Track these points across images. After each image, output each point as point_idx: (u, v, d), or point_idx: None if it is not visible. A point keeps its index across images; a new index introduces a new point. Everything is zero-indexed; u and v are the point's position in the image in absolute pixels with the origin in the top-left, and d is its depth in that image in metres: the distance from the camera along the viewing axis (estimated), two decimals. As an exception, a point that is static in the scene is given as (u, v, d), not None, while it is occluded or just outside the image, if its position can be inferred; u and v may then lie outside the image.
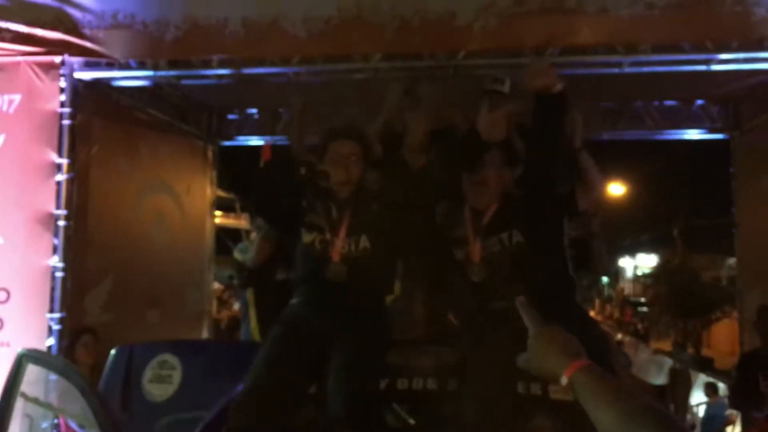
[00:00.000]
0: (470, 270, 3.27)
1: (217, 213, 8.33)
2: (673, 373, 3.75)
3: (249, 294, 4.45)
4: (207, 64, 5.52)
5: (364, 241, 3.35)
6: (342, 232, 3.35)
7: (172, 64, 5.57)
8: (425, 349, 3.52)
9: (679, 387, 3.67)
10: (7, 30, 5.45)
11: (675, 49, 5.16)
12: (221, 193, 8.46)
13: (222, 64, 5.47)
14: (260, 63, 5.51)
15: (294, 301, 3.46)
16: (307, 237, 3.40)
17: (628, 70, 5.29)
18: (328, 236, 3.37)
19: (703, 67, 5.25)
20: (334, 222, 3.38)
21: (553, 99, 3.25)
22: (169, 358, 3.96)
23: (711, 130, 7.45)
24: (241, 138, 8.09)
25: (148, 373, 3.92)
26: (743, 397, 4.88)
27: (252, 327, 4.43)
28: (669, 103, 7.35)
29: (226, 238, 8.35)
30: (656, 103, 7.32)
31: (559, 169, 3.41)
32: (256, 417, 2.97)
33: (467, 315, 3.45)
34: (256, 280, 4.40)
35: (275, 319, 3.44)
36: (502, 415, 2.91)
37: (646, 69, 5.36)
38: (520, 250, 3.23)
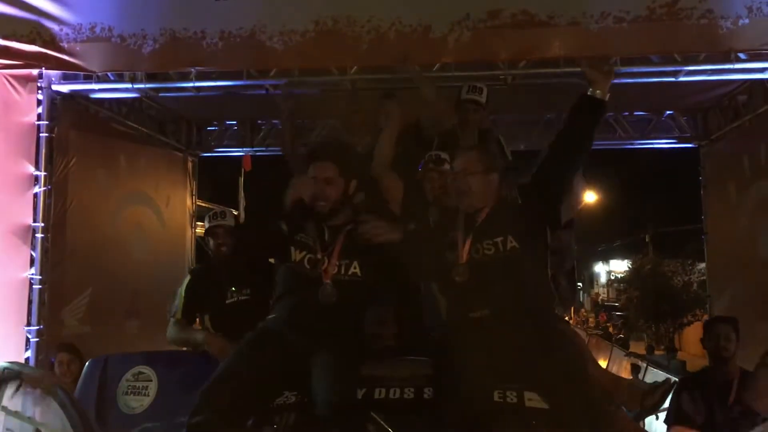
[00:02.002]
0: (455, 271, 3.26)
1: (198, 223, 8.31)
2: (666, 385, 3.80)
3: (207, 320, 4.46)
4: (185, 77, 5.56)
5: (354, 267, 3.34)
6: (335, 254, 3.32)
7: (150, 77, 5.61)
8: (401, 359, 3.55)
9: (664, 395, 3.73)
10: (-16, 43, 5.44)
11: (644, 61, 5.31)
12: (201, 204, 8.46)
13: (200, 77, 5.52)
14: (238, 76, 5.57)
15: (270, 316, 3.45)
16: (296, 255, 3.36)
17: (598, 81, 5.42)
18: (318, 256, 3.33)
19: (671, 79, 5.41)
20: (326, 243, 3.36)
21: (597, 102, 3.27)
22: (145, 369, 3.92)
23: (680, 140, 7.64)
24: (221, 149, 8.14)
25: (123, 385, 3.87)
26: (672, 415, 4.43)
27: None
28: (639, 113, 7.52)
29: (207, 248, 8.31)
30: (626, 113, 7.48)
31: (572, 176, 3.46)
32: (211, 424, 2.98)
33: (446, 322, 3.47)
34: (209, 307, 4.42)
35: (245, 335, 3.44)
36: (479, 422, 2.95)
37: (616, 80, 5.45)
38: (514, 255, 3.23)
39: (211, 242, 4.49)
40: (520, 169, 4.41)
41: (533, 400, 3.10)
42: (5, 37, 5.42)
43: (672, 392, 4.28)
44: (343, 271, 3.32)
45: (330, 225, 3.40)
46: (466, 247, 3.27)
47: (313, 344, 3.22)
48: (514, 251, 3.22)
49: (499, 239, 3.24)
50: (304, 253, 3.36)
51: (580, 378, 3.05)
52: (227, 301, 4.34)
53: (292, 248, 3.38)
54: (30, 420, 3.50)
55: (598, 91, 3.28)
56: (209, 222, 4.51)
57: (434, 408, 3.11)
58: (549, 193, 3.33)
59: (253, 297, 4.33)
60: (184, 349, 4.47)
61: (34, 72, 5.47)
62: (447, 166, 4.09)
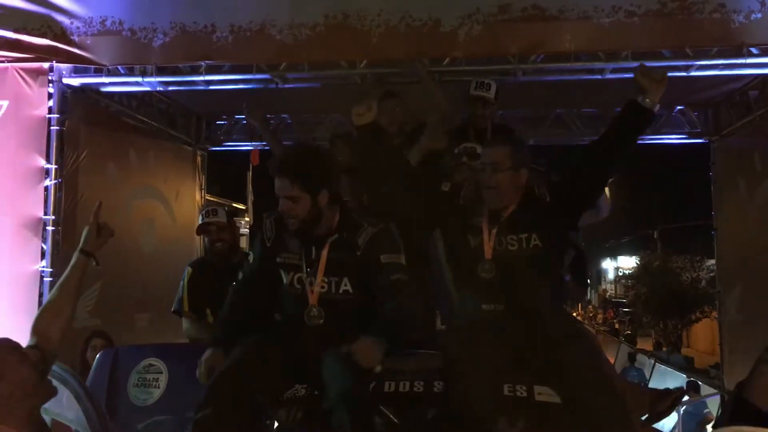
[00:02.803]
0: (480, 266, 3.24)
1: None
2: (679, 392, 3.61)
3: (209, 315, 4.49)
4: (195, 70, 5.58)
5: (345, 284, 3.14)
6: (320, 271, 3.14)
7: (160, 71, 5.61)
8: (411, 352, 3.51)
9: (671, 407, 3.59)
10: (-5, 36, 5.47)
11: (655, 56, 5.26)
12: (210, 198, 8.48)
13: (210, 71, 5.53)
14: (247, 69, 5.58)
15: (277, 317, 3.42)
16: (286, 278, 3.19)
17: (609, 76, 5.42)
18: (305, 275, 3.15)
19: (682, 73, 5.37)
20: (311, 261, 3.16)
21: (644, 110, 3.20)
22: (155, 362, 3.93)
23: (690, 135, 7.58)
24: (229, 144, 8.16)
25: (133, 377, 3.88)
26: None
27: None
28: (650, 108, 7.46)
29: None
30: (637, 108, 7.43)
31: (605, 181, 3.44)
32: (217, 418, 2.98)
33: (457, 315, 3.46)
34: (211, 301, 4.44)
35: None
36: (488, 416, 2.95)
37: (627, 75, 5.46)
38: (536, 253, 3.21)
39: (206, 239, 4.54)
40: (550, 166, 4.39)
41: (543, 394, 3.10)
42: (17, 31, 5.46)
43: (731, 398, 4.05)
44: (333, 290, 3.13)
45: (313, 238, 3.17)
46: (491, 242, 3.24)
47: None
48: (536, 249, 3.21)
49: (523, 236, 3.22)
50: (291, 273, 3.18)
51: (598, 374, 3.05)
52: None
53: (281, 271, 3.21)
54: (45, 410, 3.52)
55: (647, 100, 3.19)
56: (201, 219, 4.57)
57: (444, 401, 3.11)
58: (580, 195, 3.30)
59: None
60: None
61: (45, 65, 5.49)
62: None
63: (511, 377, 3.13)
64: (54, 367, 3.46)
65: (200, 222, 4.59)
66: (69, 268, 2.91)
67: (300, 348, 3.13)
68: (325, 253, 3.14)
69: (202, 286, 4.45)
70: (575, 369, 2.98)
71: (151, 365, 3.91)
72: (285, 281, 3.18)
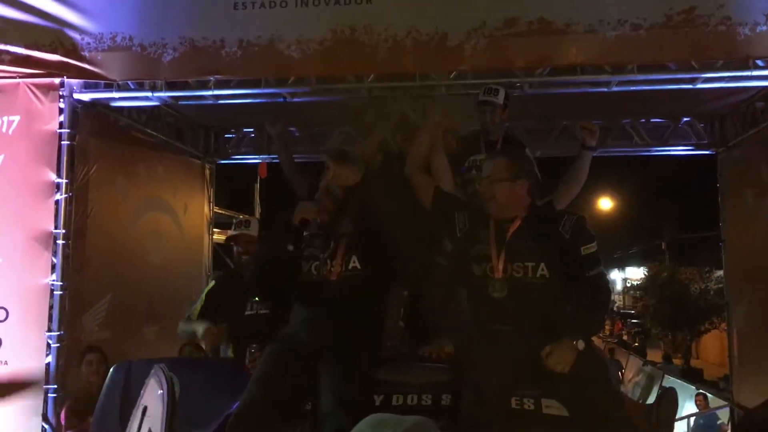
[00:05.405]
0: (491, 285, 3.21)
1: (215, 230, 8.37)
2: (660, 393, 3.59)
3: (225, 331, 4.51)
4: (204, 85, 5.62)
5: (354, 261, 3.46)
6: (340, 255, 3.46)
7: (170, 85, 5.67)
8: (419, 365, 3.54)
9: (665, 406, 3.57)
10: (6, 52, 5.54)
11: (661, 69, 5.31)
12: (218, 211, 8.50)
13: (218, 85, 5.58)
14: (256, 84, 5.62)
15: (291, 320, 3.51)
16: (305, 266, 3.51)
17: (615, 88, 5.44)
18: (322, 259, 3.47)
19: (688, 86, 5.40)
20: (332, 250, 3.49)
21: None
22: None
23: (698, 147, 7.59)
24: (238, 157, 8.21)
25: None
26: None
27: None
28: (656, 120, 7.49)
29: (224, 254, 8.34)
30: (643, 120, 7.46)
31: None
32: None
33: (473, 331, 3.44)
34: (227, 315, 4.47)
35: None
36: (497, 429, 2.95)
37: (633, 88, 5.50)
38: (542, 282, 3.17)
39: (234, 249, 4.57)
40: None
41: (551, 407, 3.10)
42: (28, 46, 5.52)
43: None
44: (344, 267, 3.45)
45: (335, 234, 3.53)
46: (501, 262, 3.23)
47: (328, 345, 3.26)
48: (542, 279, 3.18)
49: (530, 264, 3.19)
50: (311, 263, 3.50)
51: (605, 388, 3.05)
52: (246, 313, 4.37)
53: (303, 263, 3.52)
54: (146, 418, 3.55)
55: None
56: (234, 229, 4.61)
57: (452, 414, 3.12)
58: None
59: (273, 311, 4.35)
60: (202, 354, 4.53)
61: (56, 81, 5.56)
62: None
63: (518, 390, 3.14)
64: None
65: (231, 232, 4.63)
66: None
67: (320, 330, 3.36)
68: (344, 240, 3.52)
69: (218, 299, 4.48)
70: (582, 383, 2.99)
71: (163, 378, 3.94)
72: (303, 269, 3.50)
